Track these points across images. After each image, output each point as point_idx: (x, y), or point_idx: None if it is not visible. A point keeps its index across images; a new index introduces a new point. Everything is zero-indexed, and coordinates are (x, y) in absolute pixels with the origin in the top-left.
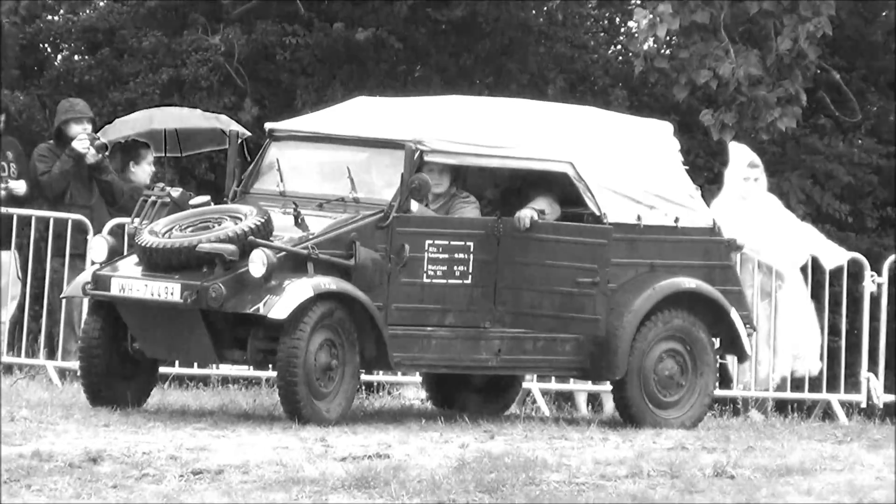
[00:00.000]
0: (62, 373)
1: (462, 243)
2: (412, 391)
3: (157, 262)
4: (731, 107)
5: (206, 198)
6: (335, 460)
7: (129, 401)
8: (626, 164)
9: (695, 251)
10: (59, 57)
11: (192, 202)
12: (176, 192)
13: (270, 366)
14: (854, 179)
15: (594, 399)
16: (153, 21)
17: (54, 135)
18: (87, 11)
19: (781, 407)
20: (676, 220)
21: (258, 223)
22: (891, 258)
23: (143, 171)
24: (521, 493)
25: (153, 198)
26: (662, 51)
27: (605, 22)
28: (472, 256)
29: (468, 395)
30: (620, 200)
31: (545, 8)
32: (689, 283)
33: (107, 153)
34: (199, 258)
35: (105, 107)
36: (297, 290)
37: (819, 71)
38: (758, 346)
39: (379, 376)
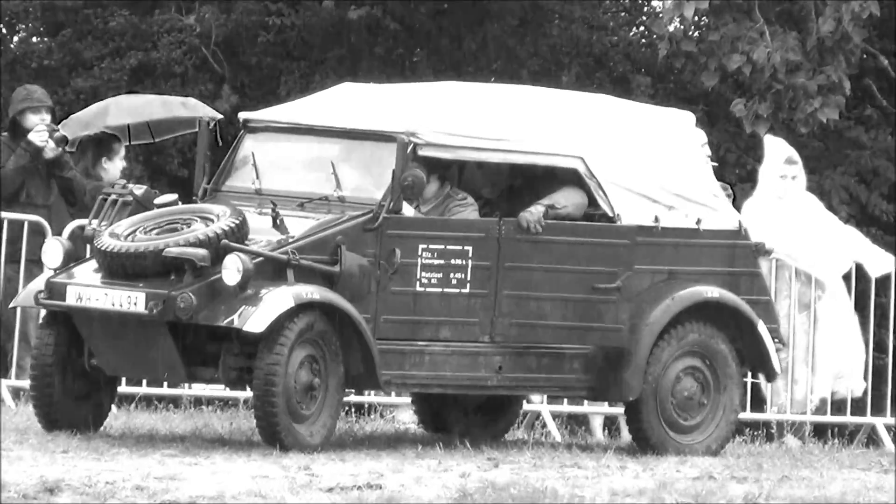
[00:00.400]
0: (16, 392)
1: (459, 248)
2: (407, 414)
3: (119, 269)
4: (765, 96)
5: (173, 196)
6: (321, 491)
7: (87, 424)
8: (642, 158)
9: (718, 256)
10: (16, 39)
11: (157, 201)
12: (139, 189)
13: (247, 385)
14: None
15: (611, 423)
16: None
17: (9, 126)
18: None
19: (821, 432)
20: (698, 221)
21: (232, 225)
22: None
23: (115, 168)
24: None
25: (113, 196)
26: (690, 33)
27: (627, 1)
28: (470, 262)
29: (463, 416)
30: (636, 199)
31: None
32: (711, 292)
33: (67, 146)
34: (167, 264)
35: (66, 95)
36: (276, 301)
37: (865, 56)
38: (794, 363)
39: (370, 397)
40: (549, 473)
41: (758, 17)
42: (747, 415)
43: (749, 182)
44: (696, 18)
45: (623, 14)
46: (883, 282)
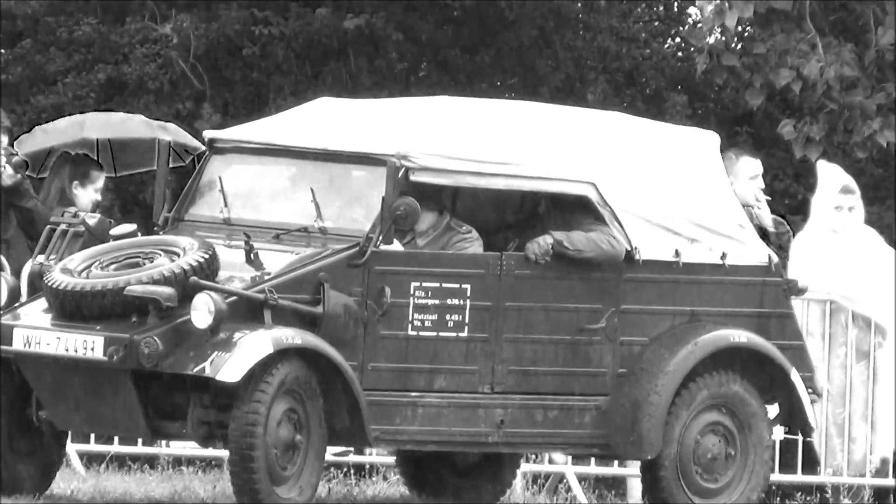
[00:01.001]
0: None
1: (457, 286)
2: None
3: (73, 309)
4: (818, 116)
5: (132, 227)
6: None
7: (32, 485)
8: (661, 184)
9: (746, 296)
10: None
11: (113, 232)
12: (92, 218)
13: (218, 442)
14: None
15: None
16: (87, 6)
17: None
18: None
19: (882, 496)
20: (724, 255)
21: (201, 260)
22: None
23: (86, 197)
24: None
25: (63, 226)
26: (732, 45)
27: (661, 9)
28: (468, 302)
29: (455, 478)
30: (655, 231)
31: None
32: (738, 336)
33: (27, 172)
34: (127, 304)
35: (26, 113)
36: (254, 347)
37: None
38: (852, 419)
39: (372, 457)
40: None
41: (809, 28)
42: (798, 477)
43: (800, 214)
44: (740, 28)
45: (656, 24)
46: None
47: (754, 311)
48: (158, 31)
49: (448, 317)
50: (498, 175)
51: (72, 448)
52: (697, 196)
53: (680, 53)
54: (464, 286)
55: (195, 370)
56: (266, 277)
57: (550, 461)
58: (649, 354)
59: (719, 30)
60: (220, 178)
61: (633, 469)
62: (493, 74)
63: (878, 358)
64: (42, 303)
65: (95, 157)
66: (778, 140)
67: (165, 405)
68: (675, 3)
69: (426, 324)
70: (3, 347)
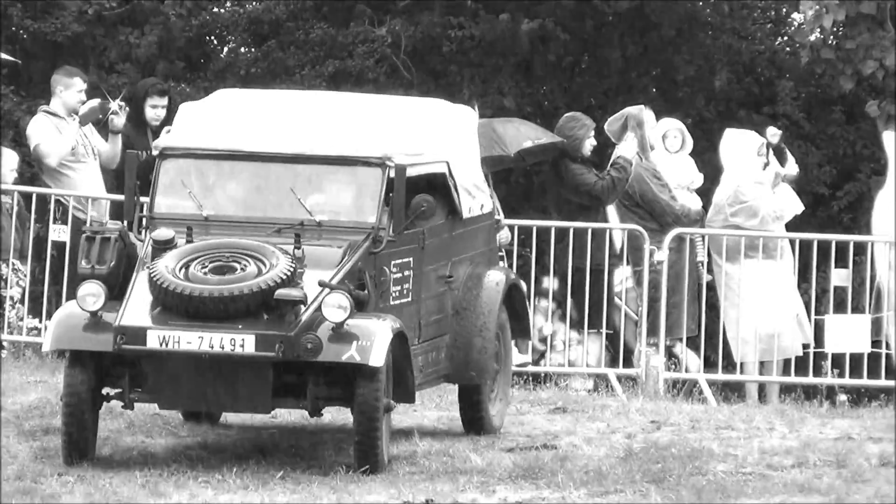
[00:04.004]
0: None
1: (409, 260)
2: (579, 382)
3: (207, 310)
4: None
5: (171, 233)
6: (502, 451)
7: (92, 452)
8: (462, 155)
9: (486, 236)
10: (226, 49)
11: (155, 237)
12: (115, 225)
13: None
14: None
15: (761, 389)
16: (319, 13)
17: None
18: (254, 3)
19: None
20: (482, 206)
21: (294, 263)
22: None
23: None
24: (688, 483)
25: (87, 234)
26: (829, 41)
27: (772, 13)
28: (412, 272)
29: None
30: (465, 195)
31: None
32: (510, 274)
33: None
34: (250, 304)
35: None
36: (382, 334)
37: None
38: None
39: (546, 367)
40: (705, 434)
41: (889, 28)
42: (882, 382)
43: (883, 175)
44: (835, 28)
45: (769, 25)
46: None
47: (487, 248)
48: (376, 32)
49: (404, 286)
50: (422, 164)
51: None
52: (473, 162)
53: (788, 49)
54: (409, 259)
55: (345, 358)
56: (334, 273)
57: (686, 370)
58: (466, 295)
59: (818, 30)
60: (183, 181)
61: (752, 376)
62: (640, 66)
63: None
64: (139, 303)
65: None
66: (866, 116)
67: (279, 384)
68: (784, 8)
69: (396, 294)
70: (140, 347)
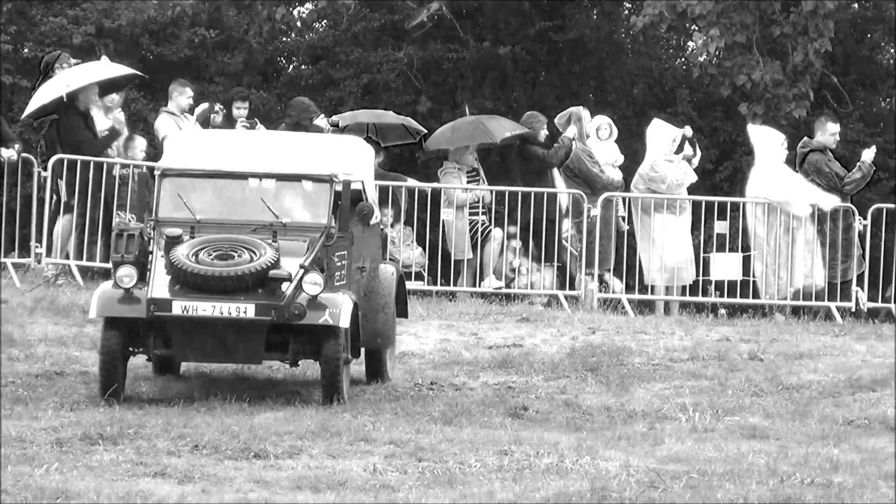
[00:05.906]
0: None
1: (345, 253)
2: (538, 300)
3: (216, 286)
4: (760, 101)
5: (179, 230)
6: (484, 348)
7: (121, 393)
8: (368, 178)
9: (378, 241)
10: (291, 66)
11: (168, 234)
12: (136, 224)
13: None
14: (847, 153)
15: (665, 306)
16: (356, 41)
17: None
18: (311, 35)
19: (796, 312)
20: (376, 217)
21: (276, 252)
22: (873, 207)
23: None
24: (614, 372)
25: (116, 231)
26: (713, 61)
27: (674, 41)
28: (346, 263)
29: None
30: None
31: (632, 32)
32: (398, 266)
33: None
34: (245, 281)
35: (322, 102)
36: (347, 304)
37: (822, 75)
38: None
39: (515, 290)
40: (626, 337)
41: (755, 52)
42: (750, 300)
43: (752, 155)
44: (717, 52)
45: (672, 50)
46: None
47: (378, 250)
48: (396, 55)
49: (342, 273)
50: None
51: None
52: (371, 183)
53: (685, 66)
54: (344, 252)
55: (321, 321)
56: (304, 259)
57: (613, 291)
58: (371, 282)
59: (706, 53)
60: (178, 194)
61: (660, 296)
62: (581, 78)
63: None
64: (161, 281)
65: (366, 133)
66: (738, 114)
67: (268, 342)
68: (682, 38)
69: (338, 278)
70: (167, 314)
